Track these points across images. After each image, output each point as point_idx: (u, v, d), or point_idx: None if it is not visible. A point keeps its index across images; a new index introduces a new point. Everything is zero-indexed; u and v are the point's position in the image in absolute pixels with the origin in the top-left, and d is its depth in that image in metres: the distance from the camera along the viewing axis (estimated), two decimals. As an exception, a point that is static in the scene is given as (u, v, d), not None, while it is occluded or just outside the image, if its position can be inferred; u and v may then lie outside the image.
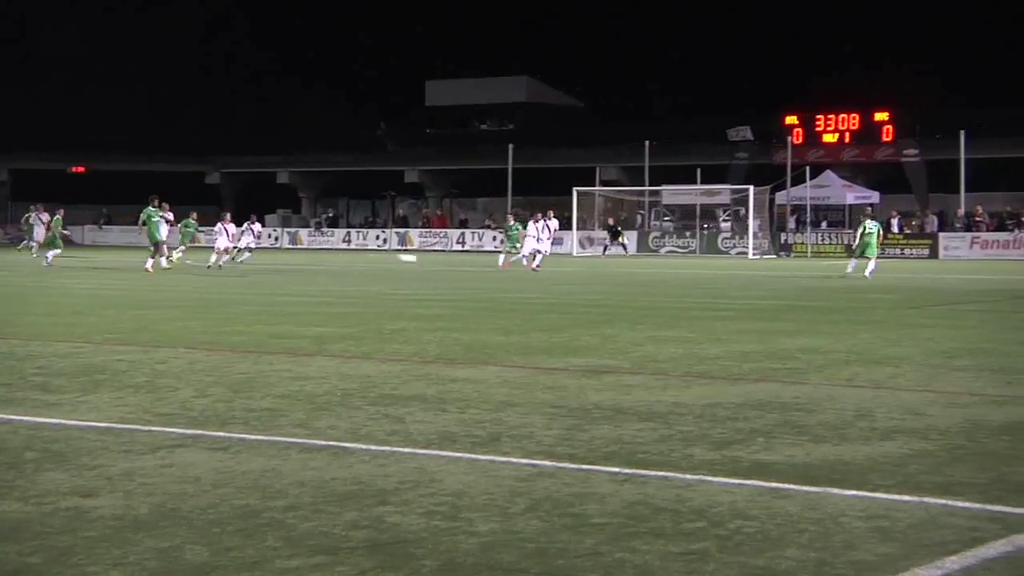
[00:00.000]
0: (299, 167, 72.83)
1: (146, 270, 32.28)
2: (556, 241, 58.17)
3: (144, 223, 34.00)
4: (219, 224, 38.65)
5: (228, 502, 6.34)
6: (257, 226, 42.61)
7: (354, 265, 41.22)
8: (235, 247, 39.39)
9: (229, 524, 5.92)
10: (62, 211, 42.95)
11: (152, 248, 33.77)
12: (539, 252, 37.95)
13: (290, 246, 65.19)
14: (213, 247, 37.84)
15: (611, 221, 54.89)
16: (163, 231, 33.57)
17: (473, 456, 7.62)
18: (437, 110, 74.90)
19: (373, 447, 7.89)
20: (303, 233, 67.03)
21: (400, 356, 13.03)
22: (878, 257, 33.22)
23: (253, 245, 41.36)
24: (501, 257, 39.91)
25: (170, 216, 34.08)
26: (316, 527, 5.89)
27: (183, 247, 39.89)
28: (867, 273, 31.58)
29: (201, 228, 42.66)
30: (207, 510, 6.18)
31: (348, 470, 7.18)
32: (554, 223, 40.22)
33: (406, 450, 7.80)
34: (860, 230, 33.73)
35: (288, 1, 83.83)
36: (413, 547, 5.57)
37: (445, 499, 6.44)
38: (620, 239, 52.42)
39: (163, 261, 33.69)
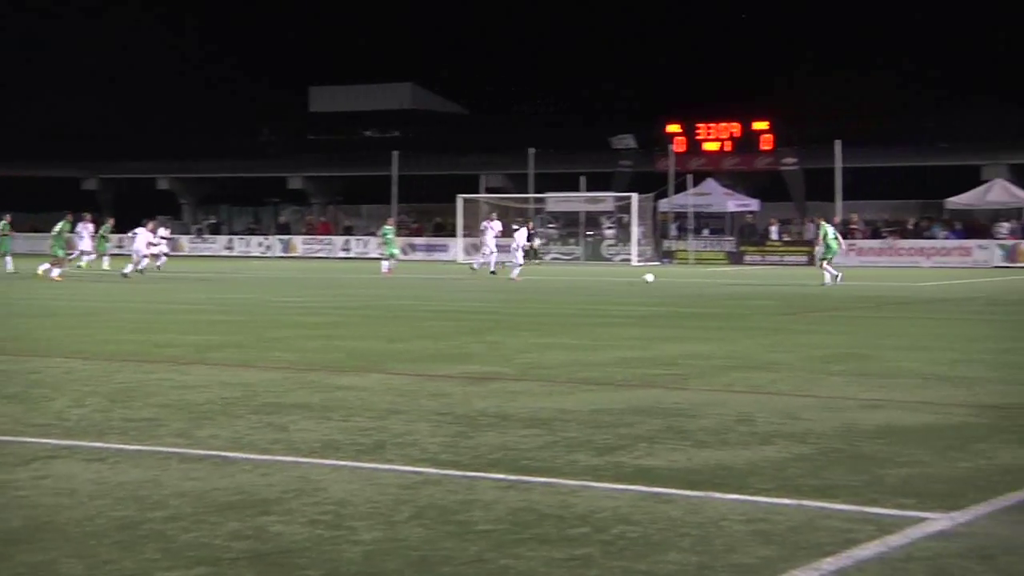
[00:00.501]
0: (179, 173, 71.75)
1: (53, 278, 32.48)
2: (439, 248, 58.26)
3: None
4: (138, 230, 38.56)
5: (105, 514, 6.21)
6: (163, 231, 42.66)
7: (236, 272, 40.71)
8: (152, 255, 39.20)
9: (106, 536, 5.80)
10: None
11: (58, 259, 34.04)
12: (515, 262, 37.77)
13: (170, 253, 64.19)
14: (132, 254, 37.78)
15: (528, 227, 55.10)
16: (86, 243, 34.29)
17: (357, 464, 7.58)
18: (321, 116, 74.35)
19: (255, 456, 7.79)
20: (184, 240, 66.06)
21: (283, 364, 12.90)
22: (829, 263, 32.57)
23: (167, 250, 41.67)
24: (384, 264, 39.73)
25: (90, 227, 34.73)
26: (197, 538, 5.80)
27: (105, 255, 40.28)
28: (825, 281, 31.15)
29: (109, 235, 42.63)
30: (83, 522, 6.05)
31: (230, 480, 7.08)
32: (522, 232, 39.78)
33: (289, 459, 7.72)
34: (821, 234, 33.20)
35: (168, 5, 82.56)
36: (296, 557, 5.51)
37: (329, 508, 6.39)
38: (533, 245, 52.61)
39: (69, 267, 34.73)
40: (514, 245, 37.94)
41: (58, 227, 35.70)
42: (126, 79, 78.27)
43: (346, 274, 39.73)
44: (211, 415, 9.40)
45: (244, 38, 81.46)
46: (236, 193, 72.76)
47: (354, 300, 25.08)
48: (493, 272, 37.32)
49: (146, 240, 37.30)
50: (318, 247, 62.08)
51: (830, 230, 33.48)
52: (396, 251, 39.78)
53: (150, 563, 5.39)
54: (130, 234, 38.48)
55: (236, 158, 70.43)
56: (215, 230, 68.94)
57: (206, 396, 10.39)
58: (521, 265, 36.98)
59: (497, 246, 39.33)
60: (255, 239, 65.27)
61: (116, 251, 43.51)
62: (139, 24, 77.88)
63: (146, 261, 37.30)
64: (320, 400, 10.22)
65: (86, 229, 42.13)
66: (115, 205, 68.85)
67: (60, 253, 34.63)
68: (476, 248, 55.95)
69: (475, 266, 39.09)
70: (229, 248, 64.40)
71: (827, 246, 32.74)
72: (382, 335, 16.42)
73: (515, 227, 40.47)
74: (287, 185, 70.12)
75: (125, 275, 34.77)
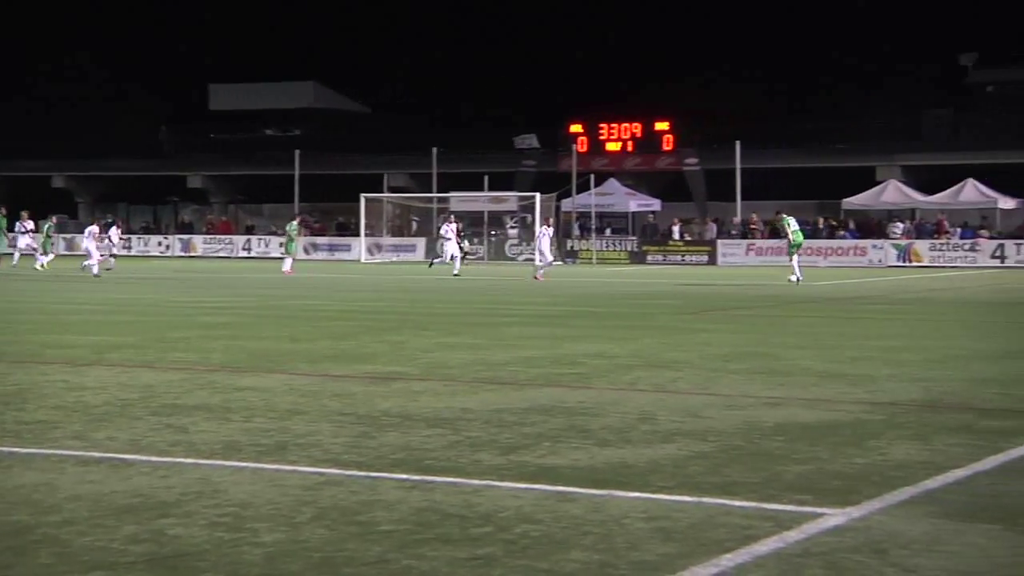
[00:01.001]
0: (75, 171, 70.43)
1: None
2: (342, 248, 57.89)
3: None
4: (89, 229, 38.93)
5: (-2, 519, 6.08)
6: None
7: (135, 272, 40.10)
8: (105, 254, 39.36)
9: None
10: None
11: None
12: (548, 261, 37.37)
13: (66, 252, 63.03)
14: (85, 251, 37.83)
15: (459, 225, 54.93)
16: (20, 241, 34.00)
17: (259, 465, 7.51)
18: (221, 114, 73.46)
19: (154, 458, 7.69)
20: (80, 239, 64.89)
21: (183, 365, 12.73)
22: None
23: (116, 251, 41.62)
24: (286, 262, 39.41)
25: (30, 224, 34.65)
26: (93, 542, 5.70)
27: (51, 254, 40.13)
28: (791, 277, 31.02)
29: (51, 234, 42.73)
30: (-25, 528, 5.91)
31: (127, 482, 6.97)
32: (549, 230, 39.14)
33: (189, 460, 7.63)
34: (788, 227, 32.94)
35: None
36: (195, 560, 5.44)
37: (229, 510, 6.32)
38: (464, 244, 52.38)
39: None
40: (442, 243, 38.00)
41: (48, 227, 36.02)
42: (20, 76, 76.67)
43: (248, 274, 39.33)
44: (109, 417, 9.25)
45: (143, 35, 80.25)
46: (134, 192, 71.63)
47: (256, 300, 24.84)
48: (456, 274, 36.63)
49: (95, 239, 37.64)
50: (219, 247, 61.34)
51: (793, 222, 33.27)
52: (296, 249, 39.88)
53: (44, 568, 5.28)
54: (86, 233, 38.70)
55: (134, 156, 69.37)
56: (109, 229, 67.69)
57: (103, 398, 10.22)
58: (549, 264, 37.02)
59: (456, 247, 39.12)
60: (154, 239, 64.32)
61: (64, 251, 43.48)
62: (35, 19, 76.35)
63: (97, 261, 37.25)
64: (221, 401, 10.11)
65: (25, 226, 41.74)
66: (9, 203, 67.41)
67: (48, 248, 35.01)
68: (379, 248, 55.78)
69: (454, 270, 37.86)
70: (127, 247, 63.40)
71: (792, 240, 32.47)
72: (284, 335, 16.28)
73: (439, 226, 40.27)
74: (187, 184, 69.23)
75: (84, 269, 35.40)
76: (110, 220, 46.51)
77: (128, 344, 14.91)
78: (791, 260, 32.86)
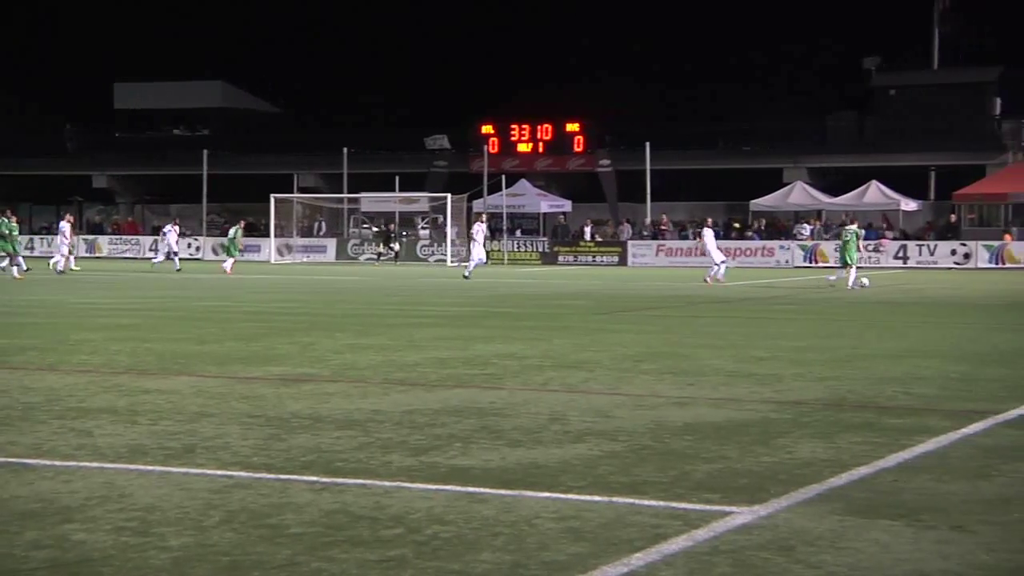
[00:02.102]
0: (-24, 170, 69.04)
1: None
2: (251, 248, 57.32)
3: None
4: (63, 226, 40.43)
5: None
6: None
7: (36, 273, 39.36)
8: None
9: None
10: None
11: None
12: (482, 260, 36.85)
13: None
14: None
15: (388, 226, 54.50)
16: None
17: (166, 469, 7.41)
18: (127, 114, 72.34)
19: (58, 463, 7.55)
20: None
21: (88, 367, 12.53)
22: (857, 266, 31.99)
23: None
24: (228, 263, 39.78)
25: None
26: (-6, 549, 5.58)
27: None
28: (850, 284, 30.52)
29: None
30: None
31: (29, 487, 6.84)
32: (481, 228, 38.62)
33: (94, 465, 7.50)
34: (843, 237, 32.40)
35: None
36: (100, 565, 5.36)
37: (135, 514, 6.23)
38: (392, 244, 51.99)
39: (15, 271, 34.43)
40: (473, 243, 37.54)
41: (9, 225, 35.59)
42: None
43: (154, 275, 38.80)
44: (10, 421, 9.07)
45: (47, 32, 78.81)
46: (37, 192, 70.28)
47: (163, 301, 24.51)
48: (467, 277, 35.57)
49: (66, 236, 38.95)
50: (125, 247, 60.45)
51: (855, 234, 32.42)
52: (237, 252, 41.48)
53: (-56, 576, 5.17)
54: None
55: (38, 156, 68.09)
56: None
57: (5, 401, 10.02)
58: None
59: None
60: (57, 239, 63.11)
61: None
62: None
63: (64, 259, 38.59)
64: (127, 404, 9.96)
65: None
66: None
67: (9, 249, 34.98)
68: (289, 249, 55.32)
69: (466, 273, 36.73)
70: (30, 248, 62.18)
71: (846, 251, 31.68)
72: (192, 337, 16.09)
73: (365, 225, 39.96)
74: (92, 184, 68.11)
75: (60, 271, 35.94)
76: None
77: (30, 347, 14.63)
78: (844, 269, 32.17)
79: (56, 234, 42.15)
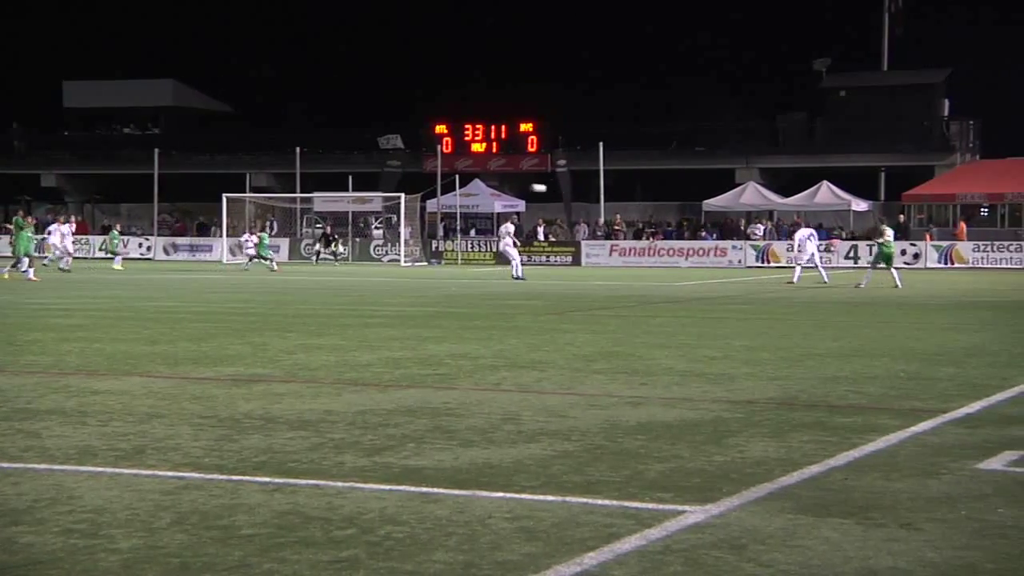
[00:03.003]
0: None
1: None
2: (203, 248, 56.99)
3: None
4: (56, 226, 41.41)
5: None
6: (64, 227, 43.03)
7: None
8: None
9: None
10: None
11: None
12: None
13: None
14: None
15: (327, 228, 54.22)
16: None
17: (116, 470, 7.35)
18: (76, 112, 71.66)
19: (5, 464, 7.47)
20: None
21: (36, 368, 12.40)
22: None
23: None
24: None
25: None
26: (-60, 553, 5.52)
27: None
28: (899, 282, 30.53)
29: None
30: None
31: (-23, 490, 6.76)
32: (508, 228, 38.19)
33: (42, 466, 7.43)
34: (879, 239, 32.37)
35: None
36: (48, 568, 5.31)
37: (85, 516, 6.17)
38: (333, 247, 51.68)
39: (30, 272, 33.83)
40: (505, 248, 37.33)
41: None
42: None
43: (102, 275, 38.45)
44: (-43, 423, 8.95)
45: (-6, 28, 77.92)
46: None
47: (112, 301, 24.30)
48: (519, 278, 35.10)
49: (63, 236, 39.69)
50: (74, 247, 59.84)
51: (889, 232, 32.49)
52: (270, 253, 43.79)
53: None
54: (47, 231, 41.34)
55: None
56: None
57: (-48, 403, 9.90)
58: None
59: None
60: (3, 239, 62.43)
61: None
62: None
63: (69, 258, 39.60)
64: (76, 405, 9.87)
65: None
66: None
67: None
68: (240, 248, 54.96)
69: (515, 275, 35.79)
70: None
71: (885, 254, 31.67)
72: (142, 337, 15.96)
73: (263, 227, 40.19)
74: (40, 183, 67.42)
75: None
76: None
77: (-21, 347, 14.46)
78: (872, 268, 32.40)
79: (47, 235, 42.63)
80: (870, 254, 34.49)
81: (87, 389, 10.84)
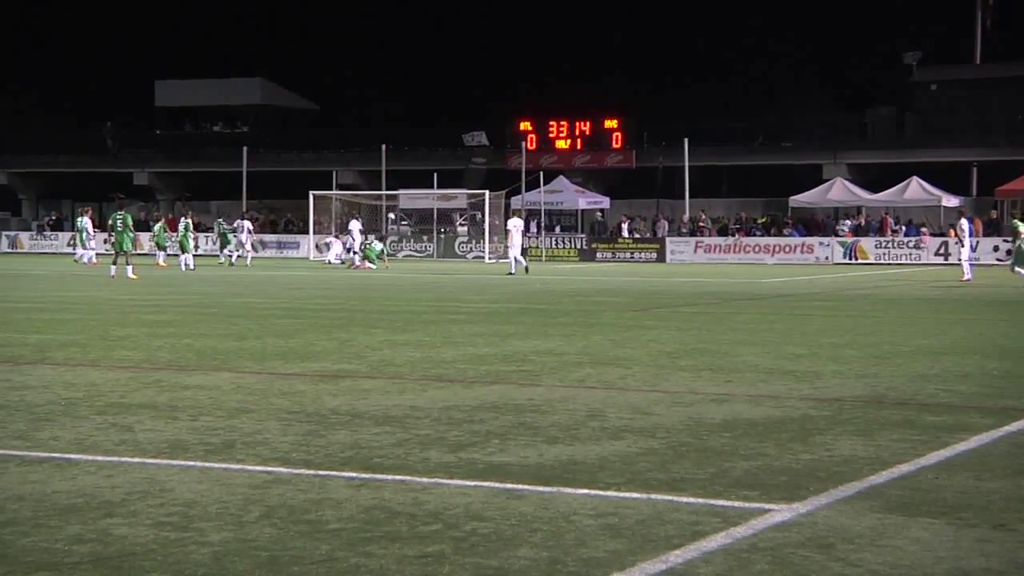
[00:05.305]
0: (18, 167, 69.59)
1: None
2: (290, 245, 57.58)
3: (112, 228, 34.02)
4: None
5: (-60, 520, 6.00)
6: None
7: (73, 270, 39.70)
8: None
9: (-59, 543, 5.60)
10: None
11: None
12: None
13: (9, 250, 62.30)
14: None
15: (340, 231, 54.47)
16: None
17: (206, 464, 7.46)
18: (167, 111, 72.82)
19: (99, 457, 7.62)
20: (23, 236, 64.13)
21: (129, 363, 12.62)
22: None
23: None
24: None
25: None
26: (36, 542, 5.64)
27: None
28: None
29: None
30: (-84, 529, 5.83)
31: (71, 482, 6.90)
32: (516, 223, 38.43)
33: (135, 460, 7.57)
34: (1021, 231, 31.84)
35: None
36: (141, 559, 5.40)
37: (176, 509, 6.28)
38: (352, 248, 51.72)
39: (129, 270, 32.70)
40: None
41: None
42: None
43: (198, 271, 39.02)
44: (52, 416, 9.15)
45: (87, 29, 79.40)
46: (79, 188, 70.90)
47: (201, 297, 24.66)
48: (512, 273, 35.57)
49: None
50: (166, 243, 60.79)
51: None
52: (379, 248, 43.66)
53: (-13, 570, 5.22)
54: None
55: (78, 152, 68.62)
56: (57, 226, 67.03)
57: (47, 397, 10.11)
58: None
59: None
60: (102, 235, 63.60)
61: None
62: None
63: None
64: (167, 399, 10.03)
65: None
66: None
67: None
68: (328, 246, 55.43)
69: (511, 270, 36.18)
70: (72, 245, 62.76)
71: (1022, 245, 31.10)
72: (230, 333, 16.18)
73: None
74: (133, 180, 68.60)
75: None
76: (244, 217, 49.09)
77: (72, 342, 14.76)
78: (1015, 269, 31.73)
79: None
80: (1008, 254, 33.23)
81: (177, 384, 11.01)
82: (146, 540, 5.70)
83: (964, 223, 33.99)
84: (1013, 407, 9.95)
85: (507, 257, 37.14)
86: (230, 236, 46.49)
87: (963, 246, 33.39)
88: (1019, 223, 33.12)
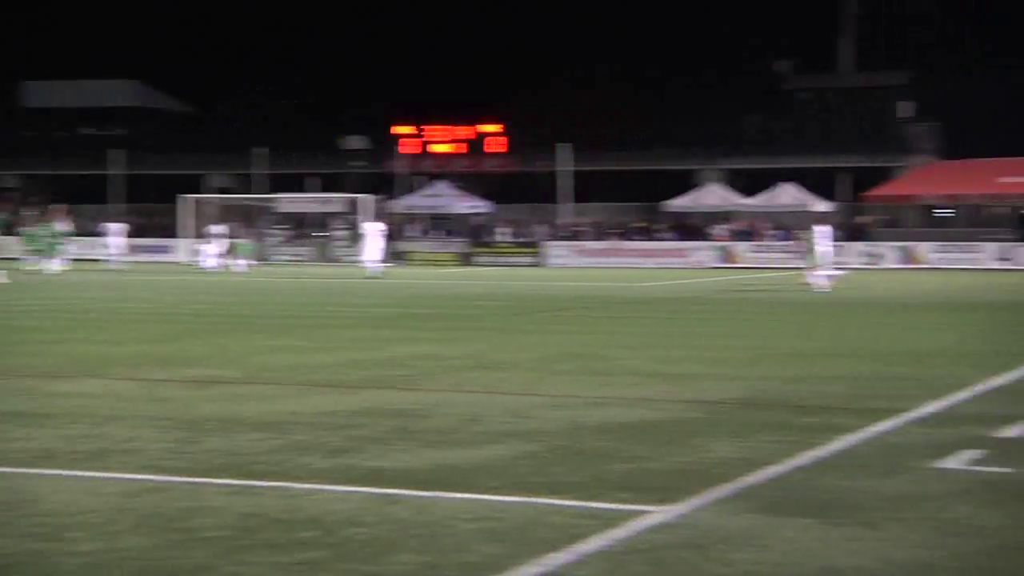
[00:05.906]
0: None
1: None
2: (162, 249, 56.56)
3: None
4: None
5: None
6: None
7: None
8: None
9: None
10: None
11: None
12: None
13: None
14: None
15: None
16: None
17: (76, 473, 7.30)
18: (36, 112, 71.06)
19: (-36, 468, 7.40)
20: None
21: (-5, 371, 12.28)
22: None
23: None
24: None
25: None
26: (-102, 557, 5.46)
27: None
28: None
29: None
30: None
31: (-65, 494, 6.69)
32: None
33: (3, 469, 7.37)
34: (811, 240, 31.62)
35: None
36: (9, 571, 5.26)
37: (44, 520, 6.12)
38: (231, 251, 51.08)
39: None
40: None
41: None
42: None
43: (70, 276, 38.15)
44: (-85, 426, 8.86)
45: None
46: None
47: (73, 303, 24.11)
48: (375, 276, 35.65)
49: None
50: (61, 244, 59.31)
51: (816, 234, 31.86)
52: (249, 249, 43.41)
53: None
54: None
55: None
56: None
57: (-91, 406, 9.79)
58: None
59: None
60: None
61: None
62: None
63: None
64: (36, 407, 9.79)
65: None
66: None
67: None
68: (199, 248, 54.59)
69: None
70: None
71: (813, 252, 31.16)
72: (102, 339, 15.85)
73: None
74: (0, 183, 66.90)
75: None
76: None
77: (-64, 349, 14.32)
78: (808, 274, 31.59)
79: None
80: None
81: (47, 391, 10.75)
82: (14, 552, 5.56)
83: (816, 229, 34.30)
84: (882, 408, 10.20)
85: (372, 260, 37.57)
86: (55, 243, 43.62)
87: (811, 253, 33.53)
88: (816, 229, 32.96)
